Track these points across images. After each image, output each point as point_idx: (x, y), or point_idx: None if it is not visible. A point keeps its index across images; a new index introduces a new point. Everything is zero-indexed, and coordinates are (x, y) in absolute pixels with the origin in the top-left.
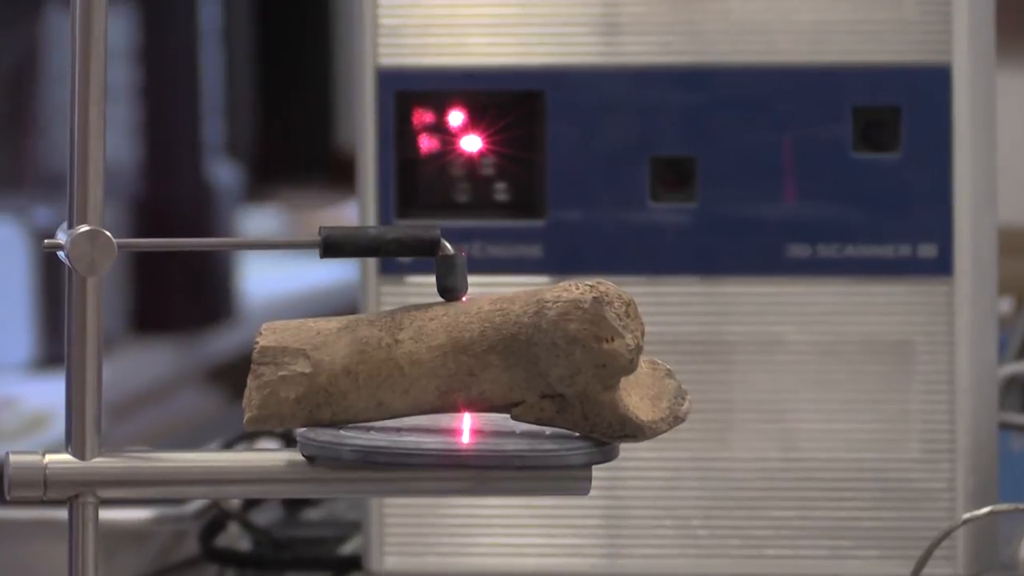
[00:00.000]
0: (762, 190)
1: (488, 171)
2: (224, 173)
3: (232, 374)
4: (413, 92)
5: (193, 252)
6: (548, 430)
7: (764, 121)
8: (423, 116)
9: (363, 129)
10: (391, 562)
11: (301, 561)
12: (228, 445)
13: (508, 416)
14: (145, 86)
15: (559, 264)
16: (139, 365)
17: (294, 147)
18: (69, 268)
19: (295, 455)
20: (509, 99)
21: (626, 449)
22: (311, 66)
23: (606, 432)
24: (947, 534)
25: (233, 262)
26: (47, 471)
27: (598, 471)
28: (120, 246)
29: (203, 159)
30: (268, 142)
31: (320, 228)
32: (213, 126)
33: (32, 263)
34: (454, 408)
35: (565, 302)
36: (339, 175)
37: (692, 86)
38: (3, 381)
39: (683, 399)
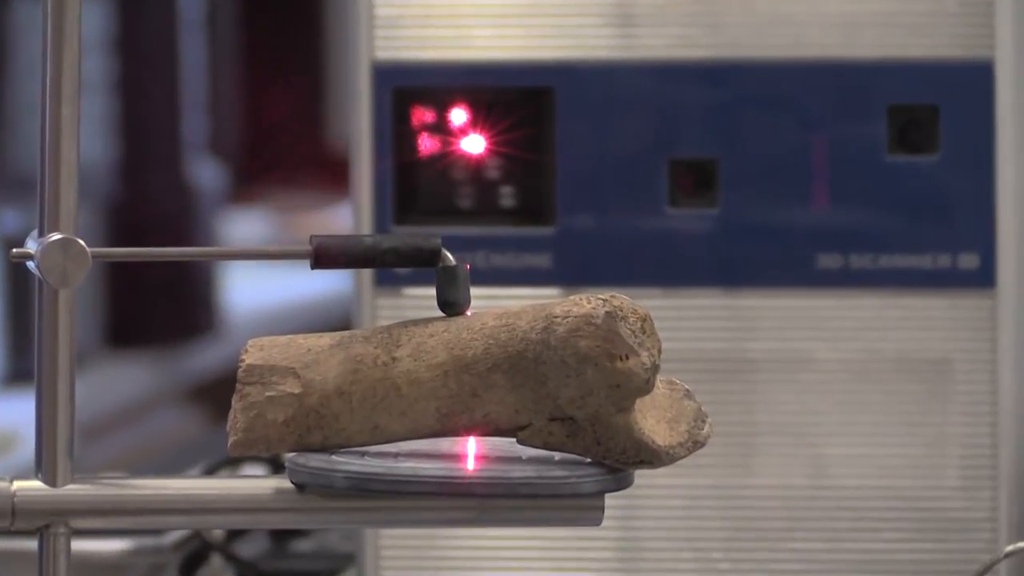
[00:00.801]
0: (790, 195)
1: (493, 174)
2: (206, 173)
3: (215, 394)
4: (412, 88)
5: (174, 261)
6: (557, 456)
7: (792, 121)
8: (423, 115)
9: (358, 128)
10: None
11: None
12: (211, 471)
13: (514, 440)
14: (121, 79)
15: (569, 275)
16: (114, 383)
17: (283, 145)
18: (39, 280)
19: (283, 482)
20: (516, 96)
21: (641, 476)
22: (301, 59)
23: (620, 458)
24: (988, 568)
25: (216, 271)
26: (15, 499)
27: (611, 500)
28: (95, 256)
29: (184, 158)
30: (254, 140)
31: (311, 237)
32: (195, 122)
33: None
34: (456, 432)
35: (576, 317)
36: (331, 176)
37: (714, 82)
38: None
39: (703, 422)
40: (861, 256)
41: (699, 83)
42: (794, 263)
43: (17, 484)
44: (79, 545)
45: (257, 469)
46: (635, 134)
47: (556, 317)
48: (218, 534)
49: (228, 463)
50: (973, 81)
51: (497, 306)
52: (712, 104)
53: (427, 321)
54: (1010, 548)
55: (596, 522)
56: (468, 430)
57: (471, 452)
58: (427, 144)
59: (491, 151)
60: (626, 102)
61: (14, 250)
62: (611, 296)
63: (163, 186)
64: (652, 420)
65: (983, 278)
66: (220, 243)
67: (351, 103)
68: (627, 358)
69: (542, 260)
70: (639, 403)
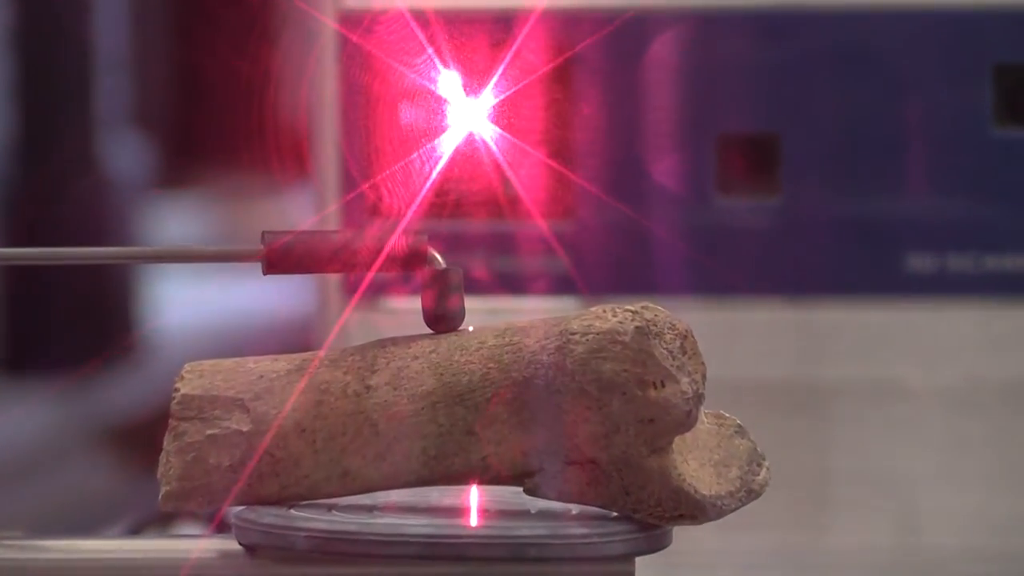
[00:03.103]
0: (869, 180)
1: (491, 154)
2: (128, 152)
3: (141, 432)
4: (389, 45)
5: (87, 266)
6: (575, 509)
7: (872, 85)
8: (402, 78)
9: (321, 94)
10: None
11: None
12: (136, 529)
13: (520, 490)
14: (19, 34)
15: (590, 282)
16: (12, 420)
17: (226, 117)
18: None
19: (229, 543)
20: (519, 55)
21: (682, 534)
22: (249, 7)
23: (654, 511)
24: None
25: (141, 276)
26: None
27: (644, 564)
28: None
29: (100, 133)
30: (189, 109)
31: (263, 233)
32: (113, 87)
33: None
34: (446, 479)
35: (598, 334)
36: (289, 156)
37: (774, 37)
38: None
39: (759, 466)
40: (961, 256)
41: (754, 37)
42: (877, 266)
43: None
44: None
45: (195, 528)
46: (673, 103)
47: (573, 334)
48: None
49: (159, 520)
50: None
51: (499, 320)
52: (771, 64)
53: (410, 340)
54: None
55: None
56: (462, 477)
57: (466, 505)
58: (408, 115)
59: (489, 124)
60: (661, 63)
61: None
62: (642, 307)
63: (74, 169)
64: (695, 463)
65: None
66: (146, 242)
67: (312, 62)
68: (663, 385)
69: (555, 262)
70: (678, 442)
